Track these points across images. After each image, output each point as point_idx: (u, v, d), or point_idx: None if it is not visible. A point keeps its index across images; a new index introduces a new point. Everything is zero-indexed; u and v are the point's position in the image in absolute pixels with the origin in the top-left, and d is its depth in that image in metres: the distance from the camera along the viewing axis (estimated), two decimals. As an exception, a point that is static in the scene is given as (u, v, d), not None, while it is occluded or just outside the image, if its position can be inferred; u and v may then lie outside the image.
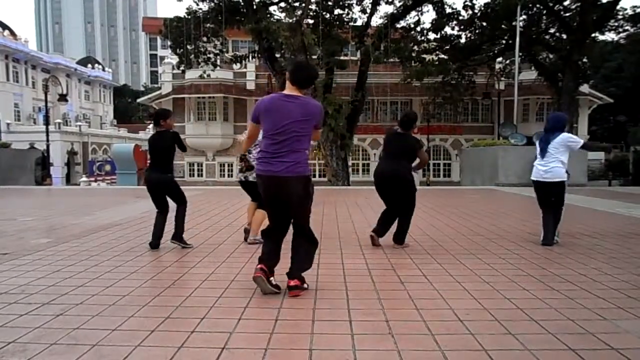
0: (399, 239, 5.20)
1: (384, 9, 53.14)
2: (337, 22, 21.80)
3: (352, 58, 25.45)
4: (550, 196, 5.35)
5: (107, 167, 33.74)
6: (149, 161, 5.42)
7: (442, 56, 23.45)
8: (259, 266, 3.44)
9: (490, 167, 15.35)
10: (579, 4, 20.69)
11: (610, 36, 23.80)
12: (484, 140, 21.15)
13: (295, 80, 3.42)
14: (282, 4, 21.65)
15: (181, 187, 5.34)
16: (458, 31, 23.24)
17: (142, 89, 76.10)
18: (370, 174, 32.88)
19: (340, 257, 4.69)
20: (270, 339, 2.65)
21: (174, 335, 2.71)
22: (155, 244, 5.12)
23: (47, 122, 25.95)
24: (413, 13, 22.64)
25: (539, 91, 29.01)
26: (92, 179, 31.96)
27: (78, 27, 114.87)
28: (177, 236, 5.21)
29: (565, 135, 5.27)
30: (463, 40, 23.53)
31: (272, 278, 3.44)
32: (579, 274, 4.03)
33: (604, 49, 26.49)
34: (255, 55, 23.18)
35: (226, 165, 33.18)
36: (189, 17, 21.06)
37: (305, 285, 3.50)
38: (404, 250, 5.03)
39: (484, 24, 22.44)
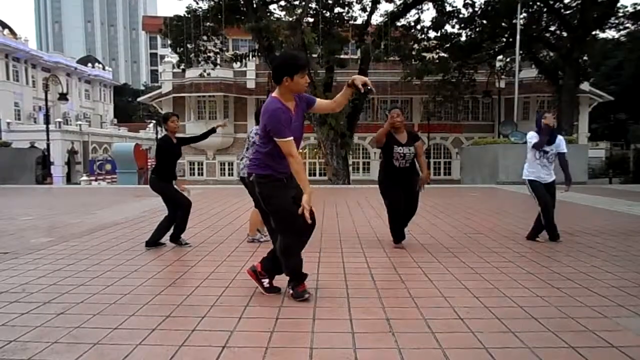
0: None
1: (384, 7, 52.96)
2: (337, 21, 21.78)
3: (352, 56, 25.42)
4: None
5: (108, 166, 33.72)
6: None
7: (443, 54, 23.43)
8: (256, 264, 3.48)
9: (490, 166, 15.35)
10: (579, 1, 20.67)
11: (610, 34, 23.79)
12: (485, 138, 21.16)
13: None
14: (282, 3, 21.64)
15: (168, 192, 5.20)
16: (458, 29, 23.22)
17: (142, 87, 76.06)
18: (370, 172, 32.96)
19: (340, 256, 4.69)
20: (270, 337, 2.66)
21: (175, 334, 2.71)
22: (148, 242, 5.15)
23: (47, 121, 25.97)
24: (413, 11, 22.64)
25: (539, 89, 28.96)
26: (93, 178, 31.95)
27: (78, 26, 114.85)
28: (172, 237, 5.25)
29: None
30: (463, 39, 23.50)
31: (265, 280, 3.42)
32: (580, 272, 4.03)
33: (605, 46, 26.42)
34: (256, 54, 23.16)
35: (226, 164, 33.18)
36: (189, 15, 21.05)
37: (289, 291, 3.34)
38: (405, 249, 5.03)
39: (485, 22, 22.40)
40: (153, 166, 5.36)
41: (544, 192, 5.31)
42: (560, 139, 5.33)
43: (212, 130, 5.44)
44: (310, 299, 3.28)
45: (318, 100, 3.41)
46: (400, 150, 4.91)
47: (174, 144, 5.20)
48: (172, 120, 5.16)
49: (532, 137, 5.33)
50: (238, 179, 5.48)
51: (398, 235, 5.13)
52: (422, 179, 5.00)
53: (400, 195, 4.98)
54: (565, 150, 5.34)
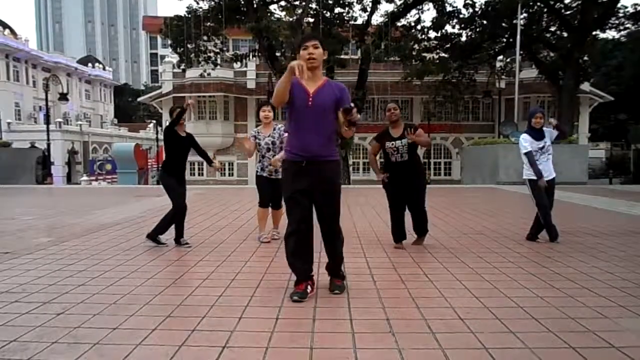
0: None
1: (385, 7, 52.97)
2: (338, 21, 21.78)
3: (352, 57, 25.44)
4: None
5: (108, 166, 33.76)
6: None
7: (443, 55, 23.43)
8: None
9: (491, 166, 15.34)
10: (579, 2, 20.68)
11: (611, 34, 23.86)
12: (485, 138, 21.15)
13: None
14: (283, 3, 21.68)
15: (169, 190, 5.21)
16: (459, 29, 23.23)
17: (142, 87, 76.03)
18: (370, 173, 32.94)
19: (340, 256, 4.68)
20: (271, 337, 2.65)
21: (175, 334, 2.71)
22: (148, 235, 5.24)
23: (47, 121, 25.95)
24: (413, 11, 22.67)
25: (539, 89, 28.95)
26: (93, 178, 31.99)
27: (78, 26, 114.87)
28: (175, 238, 5.26)
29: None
30: (464, 39, 23.51)
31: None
32: (580, 272, 4.03)
33: (605, 47, 26.47)
34: (256, 54, 23.17)
35: (227, 164, 33.15)
36: (189, 15, 21.06)
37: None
38: (405, 249, 5.03)
39: (485, 22, 22.41)
40: (163, 161, 5.35)
41: (542, 193, 5.30)
42: (546, 131, 5.33)
43: (210, 161, 5.58)
44: (299, 300, 3.23)
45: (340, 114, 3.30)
46: (392, 144, 4.89)
47: (180, 136, 5.14)
48: (175, 115, 5.14)
49: (522, 144, 5.36)
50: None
51: (398, 235, 5.13)
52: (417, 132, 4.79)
53: (400, 191, 4.98)
54: (555, 132, 5.34)
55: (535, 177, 5.28)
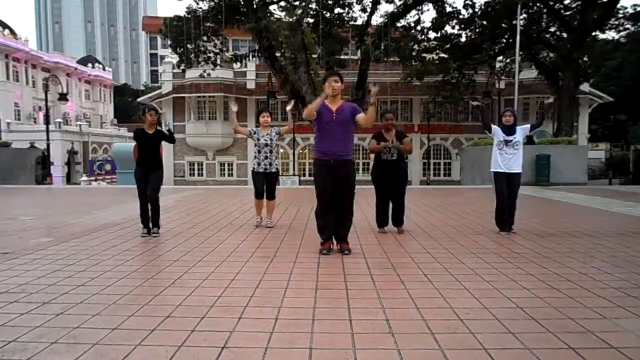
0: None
1: (384, 7, 53.03)
2: (337, 21, 21.80)
3: (352, 57, 25.42)
4: None
5: (108, 167, 33.77)
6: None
7: (443, 55, 23.42)
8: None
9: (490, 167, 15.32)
10: (579, 2, 20.68)
11: (610, 35, 23.78)
12: (485, 139, 21.14)
13: None
14: (282, 3, 21.66)
15: (135, 177, 5.98)
16: (458, 30, 23.23)
17: (142, 88, 75.91)
18: (367, 173, 33.01)
19: (340, 256, 4.69)
20: (270, 338, 2.65)
21: (174, 334, 2.71)
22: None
23: (47, 121, 25.92)
24: (413, 12, 22.66)
25: (539, 90, 28.95)
26: (93, 178, 32.01)
27: (78, 26, 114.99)
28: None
29: None
30: (463, 39, 23.51)
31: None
32: (579, 273, 4.03)
33: (604, 47, 26.37)
34: (256, 54, 23.18)
35: (226, 165, 33.16)
36: (189, 16, 21.05)
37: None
38: (404, 249, 5.04)
39: (485, 22, 22.41)
40: None
41: (502, 189, 5.99)
42: (519, 128, 5.98)
43: (172, 139, 6.06)
44: (327, 254, 4.66)
45: (361, 114, 4.76)
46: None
47: (145, 133, 5.82)
48: (150, 114, 5.78)
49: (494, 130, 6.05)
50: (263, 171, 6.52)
51: (382, 221, 6.08)
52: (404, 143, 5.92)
53: (386, 183, 5.97)
54: (528, 125, 6.15)
55: (497, 170, 5.98)
